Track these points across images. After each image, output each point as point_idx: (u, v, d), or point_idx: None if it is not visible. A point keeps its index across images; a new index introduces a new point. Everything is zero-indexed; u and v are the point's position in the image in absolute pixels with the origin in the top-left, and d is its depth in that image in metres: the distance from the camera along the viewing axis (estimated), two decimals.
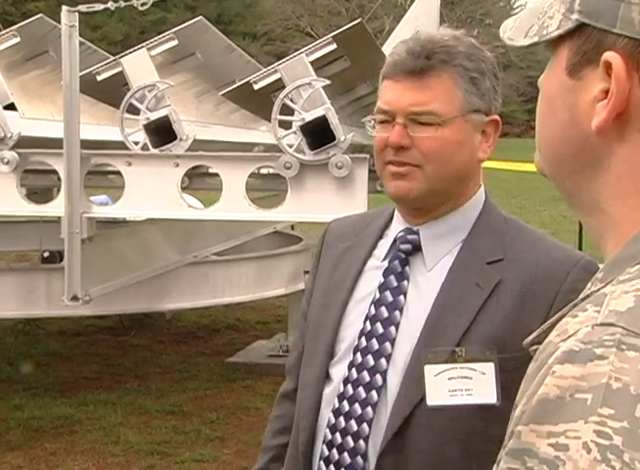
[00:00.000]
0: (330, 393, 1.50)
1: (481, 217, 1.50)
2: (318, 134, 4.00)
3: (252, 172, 4.27)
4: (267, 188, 4.99)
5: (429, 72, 1.44)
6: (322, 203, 4.12)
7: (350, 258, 1.57)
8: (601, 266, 0.73)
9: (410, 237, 1.51)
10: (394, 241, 1.53)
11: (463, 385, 1.39)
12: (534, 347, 0.73)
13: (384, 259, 1.53)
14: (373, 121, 1.50)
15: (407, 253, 1.51)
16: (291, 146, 4.10)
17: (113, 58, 4.51)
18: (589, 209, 0.75)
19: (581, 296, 0.71)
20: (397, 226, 1.54)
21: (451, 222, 1.50)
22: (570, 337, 0.65)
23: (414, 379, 1.41)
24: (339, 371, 1.50)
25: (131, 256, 5.31)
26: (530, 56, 34.50)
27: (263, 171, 4.60)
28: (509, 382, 1.36)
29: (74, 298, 4.31)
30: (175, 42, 4.50)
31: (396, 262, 1.51)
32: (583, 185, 0.74)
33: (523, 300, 1.42)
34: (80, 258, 4.27)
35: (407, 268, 1.50)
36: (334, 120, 3.97)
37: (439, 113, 1.44)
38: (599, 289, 0.69)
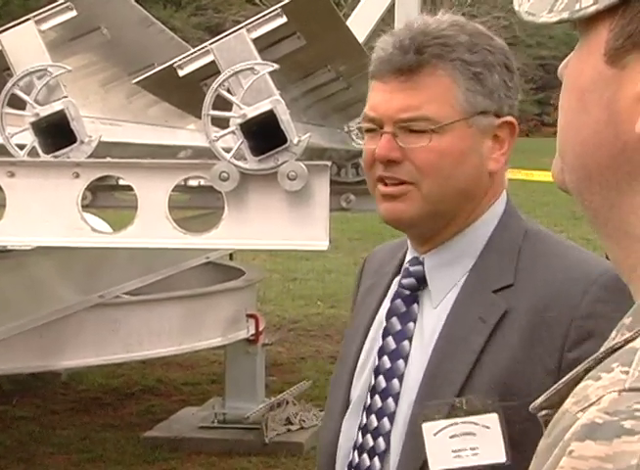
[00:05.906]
0: (341, 458, 1.62)
1: (494, 236, 1.58)
2: (264, 135, 4.01)
3: (178, 185, 4.26)
4: (197, 206, 4.97)
5: (421, 70, 1.52)
6: (269, 225, 4.12)
7: (369, 301, 1.68)
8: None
9: (413, 269, 1.60)
10: None
11: (467, 443, 1.47)
12: (544, 412, 0.74)
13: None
14: (357, 130, 1.59)
15: (412, 288, 1.59)
16: (228, 150, 4.10)
17: None
18: (618, 234, 0.75)
19: (603, 349, 0.72)
20: (409, 257, 1.63)
21: (458, 247, 1.58)
22: (591, 405, 0.66)
23: (414, 441, 1.50)
24: (349, 433, 1.61)
25: (15, 297, 5.27)
26: (542, 30, 34.83)
27: (192, 184, 4.59)
28: (521, 435, 1.44)
29: None
30: (73, 13, 4.47)
31: (399, 302, 1.60)
32: (615, 203, 0.75)
33: (533, 333, 1.49)
34: None
35: (415, 307, 1.59)
36: (284, 117, 3.98)
37: (435, 117, 1.53)
38: (627, 341, 0.70)
